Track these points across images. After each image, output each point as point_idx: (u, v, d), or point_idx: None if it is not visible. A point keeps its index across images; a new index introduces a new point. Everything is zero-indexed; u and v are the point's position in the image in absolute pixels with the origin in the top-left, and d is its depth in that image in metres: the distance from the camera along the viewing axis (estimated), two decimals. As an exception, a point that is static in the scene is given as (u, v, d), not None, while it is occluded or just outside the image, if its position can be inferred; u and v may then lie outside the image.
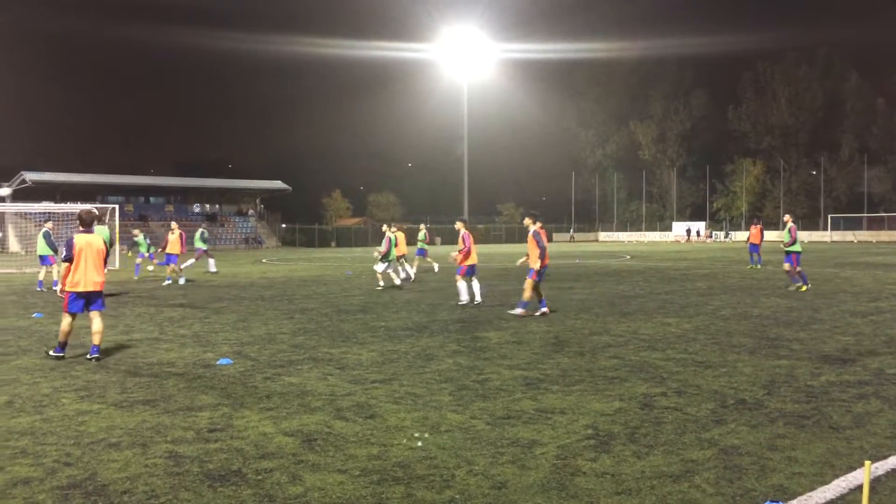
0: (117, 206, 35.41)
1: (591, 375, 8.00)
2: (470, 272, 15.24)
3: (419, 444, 5.49)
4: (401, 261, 22.09)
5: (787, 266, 18.02)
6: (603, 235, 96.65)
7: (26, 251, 38.55)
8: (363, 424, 6.11)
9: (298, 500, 4.45)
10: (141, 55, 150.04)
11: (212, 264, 27.78)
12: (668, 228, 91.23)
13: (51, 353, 9.40)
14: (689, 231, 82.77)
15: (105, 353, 9.78)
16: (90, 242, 9.32)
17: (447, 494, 4.53)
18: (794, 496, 4.45)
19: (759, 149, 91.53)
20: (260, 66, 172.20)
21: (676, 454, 5.25)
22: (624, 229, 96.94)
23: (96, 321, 9.41)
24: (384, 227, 20.92)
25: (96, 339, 9.33)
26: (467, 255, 15.06)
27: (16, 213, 45.82)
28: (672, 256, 39.97)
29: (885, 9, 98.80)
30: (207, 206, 74.84)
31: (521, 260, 13.94)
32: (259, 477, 4.87)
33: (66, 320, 9.32)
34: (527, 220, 13.45)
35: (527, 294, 13.16)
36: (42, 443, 5.69)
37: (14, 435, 5.91)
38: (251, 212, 75.80)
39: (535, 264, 13.08)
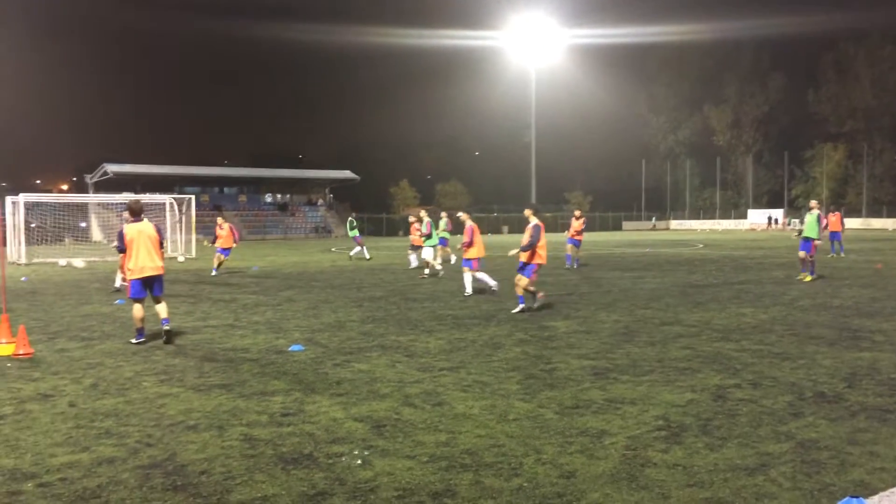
0: (193, 197, 36.49)
1: (661, 366, 7.86)
2: (470, 265, 14.97)
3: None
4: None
5: (801, 253, 17.22)
6: (675, 224, 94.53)
7: (108, 240, 40.17)
8: (431, 411, 6.16)
9: (368, 485, 4.53)
10: (217, 49, 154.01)
11: (365, 251, 29.14)
12: (744, 216, 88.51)
13: (132, 340, 9.79)
14: (770, 219, 79.71)
15: (183, 338, 10.14)
16: (141, 230, 9.69)
17: (515, 482, 4.53)
18: (875, 492, 4.28)
19: (840, 133, 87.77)
20: (330, 58, 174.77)
21: (751, 447, 5.11)
22: (696, 217, 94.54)
23: (160, 306, 9.85)
24: (440, 214, 22.65)
25: (163, 314, 9.83)
26: (469, 246, 14.85)
27: (98, 204, 47.75)
28: (747, 245, 38.83)
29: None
30: (279, 195, 76.43)
31: (512, 252, 12.92)
32: (330, 461, 4.97)
33: (135, 307, 9.79)
34: (527, 212, 12.71)
35: (519, 289, 12.24)
36: (125, 424, 5.94)
37: (99, 416, 6.19)
38: (320, 201, 77.03)
39: (523, 257, 12.19)
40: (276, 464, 4.93)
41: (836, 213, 26.68)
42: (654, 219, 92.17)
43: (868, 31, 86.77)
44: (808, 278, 16.89)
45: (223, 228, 22.91)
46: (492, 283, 14.89)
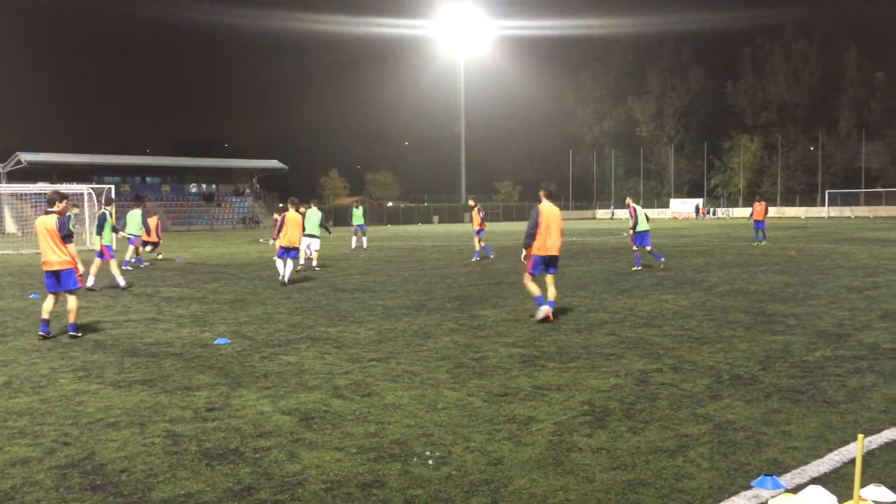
0: (113, 187, 35.23)
1: (587, 352, 8.03)
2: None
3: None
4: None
5: (635, 247, 18.07)
6: (601, 213, 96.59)
7: (22, 232, 38.46)
8: (360, 403, 6.14)
9: (296, 478, 4.48)
10: (136, 32, 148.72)
11: (364, 241, 29.24)
12: (666, 205, 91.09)
13: (39, 333, 9.45)
14: (698, 208, 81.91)
15: (102, 333, 9.81)
16: (42, 223, 9.34)
17: (444, 471, 4.56)
18: (787, 470, 4.48)
19: (756, 124, 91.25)
20: (255, 44, 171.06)
21: (672, 429, 5.28)
22: (622, 207, 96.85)
23: (69, 304, 9.47)
24: (471, 202, 24.02)
25: (71, 317, 9.46)
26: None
27: (11, 195, 45.64)
28: (670, 233, 39.98)
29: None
30: (204, 185, 74.60)
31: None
32: (257, 455, 4.90)
33: (46, 299, 9.56)
34: (540, 193, 10.64)
35: (530, 287, 10.44)
36: (40, 423, 5.71)
37: (12, 415, 5.93)
38: (248, 191, 75.58)
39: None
40: (201, 460, 4.83)
41: (762, 202, 27.72)
42: (612, 206, 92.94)
43: (783, 26, 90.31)
44: (634, 268, 17.58)
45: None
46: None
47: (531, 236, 10.13)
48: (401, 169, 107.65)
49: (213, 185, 74.96)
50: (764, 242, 26.98)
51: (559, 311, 11.03)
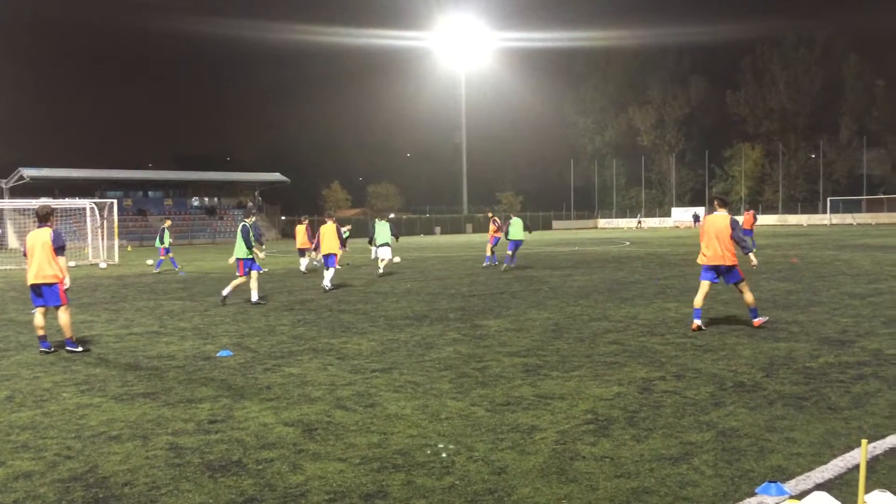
0: (115, 201, 35.30)
1: (590, 361, 8.01)
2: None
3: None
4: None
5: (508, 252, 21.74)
6: (602, 222, 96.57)
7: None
8: (363, 413, 6.13)
9: (299, 489, 4.47)
10: (138, 46, 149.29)
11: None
12: (668, 214, 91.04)
13: (40, 349, 9.43)
14: (696, 216, 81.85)
15: (105, 347, 9.81)
16: (37, 237, 9.32)
17: (447, 481, 4.54)
18: (792, 476, 4.46)
19: (757, 133, 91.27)
20: (257, 56, 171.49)
21: (675, 437, 5.26)
22: (623, 216, 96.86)
23: (61, 321, 9.41)
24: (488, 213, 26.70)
25: (66, 332, 9.37)
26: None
27: (14, 210, 45.76)
28: (671, 242, 39.96)
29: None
30: (206, 199, 74.77)
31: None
32: (260, 467, 4.89)
33: (35, 315, 9.52)
34: (716, 203, 10.37)
35: (750, 297, 10.00)
36: (43, 436, 5.71)
37: (15, 429, 5.93)
38: (250, 204, 75.68)
39: (735, 259, 9.93)
40: (204, 472, 4.82)
41: (750, 211, 28.71)
42: (639, 215, 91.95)
43: (783, 36, 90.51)
44: (504, 267, 21.43)
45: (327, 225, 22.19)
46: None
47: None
48: (403, 180, 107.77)
49: (216, 199, 75.14)
50: (754, 250, 27.11)
51: (563, 321, 11.03)
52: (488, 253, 23.80)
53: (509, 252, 21.77)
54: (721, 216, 9.95)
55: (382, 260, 20.96)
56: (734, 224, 9.78)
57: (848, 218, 74.77)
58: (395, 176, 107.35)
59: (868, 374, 7.06)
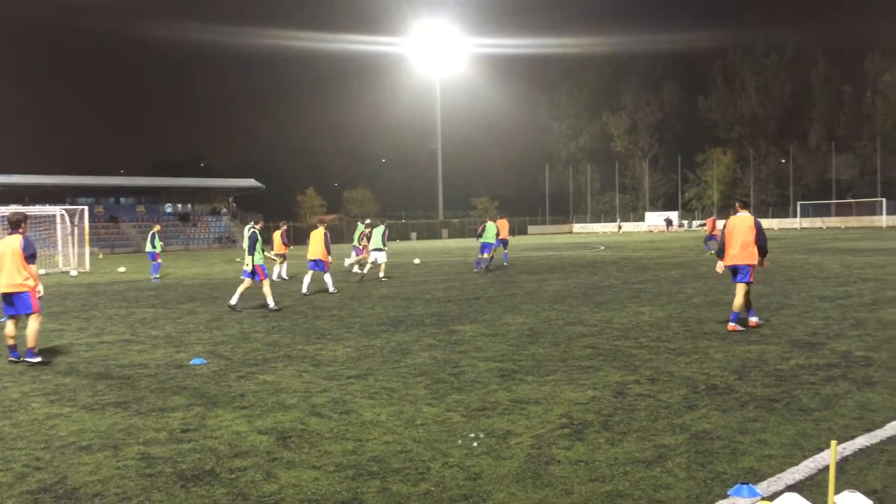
0: (86, 208, 34.82)
1: (565, 365, 8.05)
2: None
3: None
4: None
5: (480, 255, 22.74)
6: (577, 227, 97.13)
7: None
8: (338, 420, 6.10)
9: (272, 498, 4.43)
10: (109, 51, 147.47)
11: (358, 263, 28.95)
12: (642, 219, 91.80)
13: (10, 358, 9.26)
14: (668, 221, 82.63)
15: (75, 356, 9.66)
16: (7, 243, 9.15)
17: (423, 487, 4.53)
18: (763, 478, 4.51)
19: (729, 138, 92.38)
20: (230, 61, 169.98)
21: (649, 440, 5.30)
22: (598, 220, 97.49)
23: (29, 324, 9.23)
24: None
25: (30, 342, 9.13)
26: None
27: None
28: (645, 246, 40.27)
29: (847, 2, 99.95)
30: (179, 205, 74.03)
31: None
32: (233, 476, 4.84)
33: (6, 324, 9.33)
34: (738, 206, 10.59)
35: (739, 300, 10.20)
36: (11, 447, 5.60)
37: (-18, 441, 5.81)
38: (224, 210, 75.13)
39: (752, 260, 10.17)
40: (176, 482, 4.76)
41: (712, 217, 30.25)
42: (618, 220, 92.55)
43: (753, 43, 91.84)
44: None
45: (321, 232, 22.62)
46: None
47: (721, 248, 10.31)
48: (378, 186, 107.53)
49: (189, 205, 74.44)
50: (712, 252, 28.66)
51: (538, 325, 11.08)
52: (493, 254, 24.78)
53: (481, 255, 22.70)
54: (745, 217, 10.20)
55: (378, 264, 21.26)
56: (759, 226, 10.04)
57: (818, 222, 75.92)
58: (370, 181, 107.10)
59: (837, 375, 7.16)
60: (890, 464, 4.68)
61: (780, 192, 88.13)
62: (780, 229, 71.93)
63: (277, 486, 4.63)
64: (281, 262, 22.34)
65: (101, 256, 48.35)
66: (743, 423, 5.64)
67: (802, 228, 72.00)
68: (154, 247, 25.36)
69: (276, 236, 23.12)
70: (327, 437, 5.62)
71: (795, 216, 78.85)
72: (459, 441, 5.40)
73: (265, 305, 14.46)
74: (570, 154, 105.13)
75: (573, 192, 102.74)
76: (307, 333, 11.08)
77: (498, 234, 23.77)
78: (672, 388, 6.86)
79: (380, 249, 21.11)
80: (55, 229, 33.07)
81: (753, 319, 10.25)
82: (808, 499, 4.06)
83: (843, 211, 78.50)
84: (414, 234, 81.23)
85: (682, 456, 4.94)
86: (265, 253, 15.20)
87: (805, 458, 4.84)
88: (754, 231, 9.94)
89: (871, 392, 6.48)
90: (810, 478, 4.49)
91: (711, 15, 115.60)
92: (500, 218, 26.29)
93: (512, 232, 24.66)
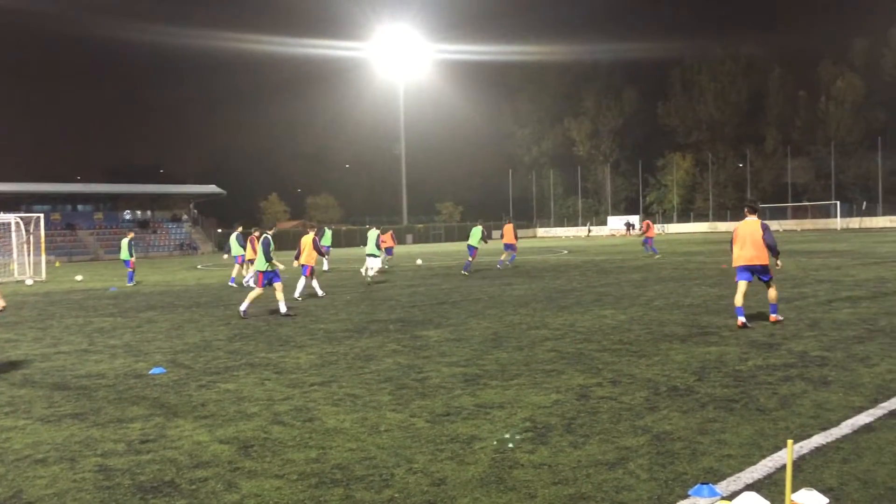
0: (42, 216, 34.06)
1: (529, 369, 8.09)
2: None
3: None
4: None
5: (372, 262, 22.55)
6: (541, 231, 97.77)
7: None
8: (301, 428, 6.05)
9: (234, 508, 4.37)
10: (63, 54, 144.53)
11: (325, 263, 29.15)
12: (604, 223, 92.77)
13: None
14: (628, 225, 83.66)
15: (30, 366, 9.44)
16: None
17: (386, 494, 4.51)
18: (723, 477, 4.58)
19: (687, 143, 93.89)
20: (187, 66, 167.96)
21: (611, 442, 5.35)
22: (561, 225, 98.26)
23: None
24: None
25: None
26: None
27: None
28: (608, 250, 40.68)
29: (800, 9, 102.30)
30: (139, 212, 72.85)
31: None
32: (193, 486, 4.77)
33: None
34: (746, 210, 11.07)
35: (773, 293, 10.90)
36: (-38, 463, 5.45)
37: (-68, 456, 5.64)
38: (185, 217, 74.11)
39: (765, 260, 10.70)
40: (135, 494, 4.67)
41: (646, 221, 31.62)
42: (589, 224, 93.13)
43: (710, 49, 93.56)
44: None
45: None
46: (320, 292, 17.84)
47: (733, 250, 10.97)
48: (342, 191, 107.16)
49: (149, 212, 73.29)
50: (653, 254, 30.89)
51: (502, 330, 11.12)
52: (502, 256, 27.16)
53: (469, 258, 24.59)
54: (753, 221, 10.77)
55: (371, 269, 22.12)
56: (765, 227, 10.66)
57: (774, 224, 77.44)
58: (334, 187, 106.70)
59: (794, 375, 7.31)
60: (845, 462, 4.78)
61: (738, 195, 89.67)
62: (738, 232, 73.17)
63: (239, 495, 4.57)
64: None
65: (58, 265, 47.35)
66: (703, 424, 5.72)
67: (760, 231, 73.31)
68: (130, 255, 25.31)
69: (234, 240, 23.12)
70: (290, 446, 5.57)
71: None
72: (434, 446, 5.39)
73: (276, 311, 14.47)
74: (532, 159, 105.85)
75: (536, 197, 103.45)
76: (270, 341, 10.97)
77: (503, 238, 26.69)
78: (634, 390, 6.93)
79: (373, 255, 22.13)
80: (10, 237, 32.29)
81: (773, 315, 10.90)
82: (766, 497, 4.13)
83: (798, 214, 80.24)
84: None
85: (644, 457, 4.99)
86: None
87: (763, 457, 4.92)
88: (762, 232, 10.57)
89: (826, 391, 6.62)
90: (768, 476, 4.58)
91: (669, 23, 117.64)
92: (507, 223, 27.93)
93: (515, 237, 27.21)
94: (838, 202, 74.59)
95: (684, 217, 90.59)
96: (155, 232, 68.84)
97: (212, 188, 73.78)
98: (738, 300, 10.63)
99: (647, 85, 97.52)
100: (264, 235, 14.73)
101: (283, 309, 14.20)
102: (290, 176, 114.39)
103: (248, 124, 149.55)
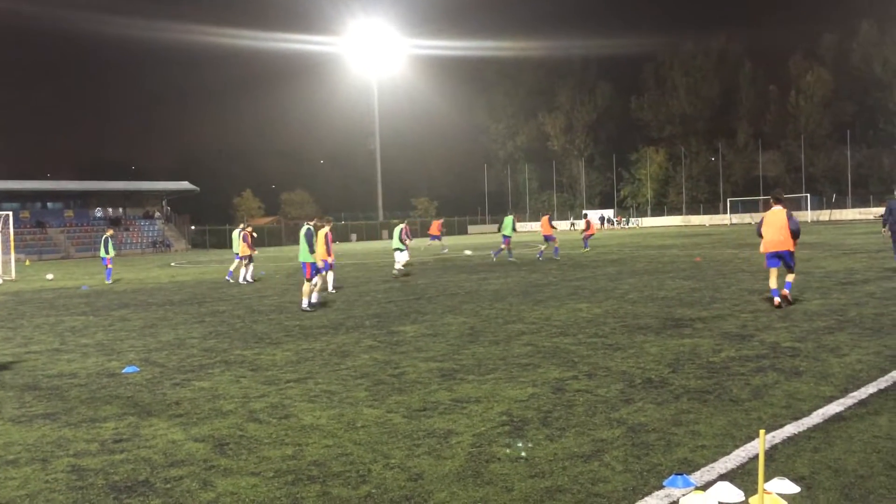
0: (11, 214, 33.47)
1: (505, 363, 8.11)
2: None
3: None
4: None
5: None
6: (518, 226, 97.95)
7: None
8: (277, 425, 6.02)
9: (210, 506, 4.34)
10: (32, 48, 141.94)
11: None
12: (579, 217, 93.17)
13: None
14: (602, 219, 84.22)
15: (1, 366, 9.29)
16: None
17: (363, 490, 4.51)
18: (697, 468, 4.63)
19: (661, 137, 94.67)
20: (161, 60, 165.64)
21: (587, 435, 5.39)
22: (537, 219, 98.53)
23: None
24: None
25: None
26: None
27: None
28: (582, 244, 40.86)
29: (770, 4, 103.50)
30: (110, 209, 71.90)
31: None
32: (168, 486, 4.73)
33: None
34: (772, 201, 11.99)
35: (791, 276, 11.75)
36: (-70, 465, 5.35)
37: None
38: (158, 214, 73.30)
39: (791, 246, 11.53)
40: (108, 493, 4.62)
41: (545, 216, 31.07)
42: (571, 218, 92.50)
43: (682, 44, 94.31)
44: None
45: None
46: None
47: (760, 237, 11.87)
48: (317, 187, 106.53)
49: (121, 209, 72.39)
50: (587, 250, 32.65)
51: (478, 324, 11.15)
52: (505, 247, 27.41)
53: (502, 246, 26.82)
54: (779, 210, 11.68)
55: (398, 262, 22.42)
56: (790, 216, 11.56)
57: (747, 217, 78.32)
58: (308, 183, 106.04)
59: (766, 366, 7.41)
60: (816, 451, 4.86)
61: (710, 189, 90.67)
62: (711, 225, 74.02)
63: (214, 494, 4.54)
64: (246, 265, 22.20)
65: (28, 263, 46.65)
66: (677, 415, 5.78)
67: (732, 224, 74.24)
68: (107, 252, 25.22)
69: (236, 236, 22.45)
70: (266, 443, 5.54)
71: (726, 213, 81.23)
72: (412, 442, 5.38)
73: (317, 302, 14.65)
74: (507, 154, 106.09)
75: (512, 192, 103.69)
76: (245, 338, 10.90)
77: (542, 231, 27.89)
78: (609, 382, 6.99)
79: (399, 249, 22.53)
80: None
81: (786, 290, 11.68)
82: (739, 487, 4.20)
83: (770, 207, 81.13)
84: (354, 236, 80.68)
85: (619, 449, 5.04)
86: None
87: (736, 447, 4.99)
88: (787, 220, 11.44)
89: (798, 381, 6.72)
90: (741, 466, 4.63)
91: (642, 19, 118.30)
92: (544, 216, 29.51)
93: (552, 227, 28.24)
94: (808, 195, 75.62)
95: (658, 210, 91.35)
96: (127, 229, 68.01)
97: (184, 185, 73.03)
98: (773, 283, 11.55)
99: (621, 80, 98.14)
100: (307, 227, 14.80)
101: (314, 299, 14.38)
102: (265, 172, 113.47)
103: (220, 120, 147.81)
